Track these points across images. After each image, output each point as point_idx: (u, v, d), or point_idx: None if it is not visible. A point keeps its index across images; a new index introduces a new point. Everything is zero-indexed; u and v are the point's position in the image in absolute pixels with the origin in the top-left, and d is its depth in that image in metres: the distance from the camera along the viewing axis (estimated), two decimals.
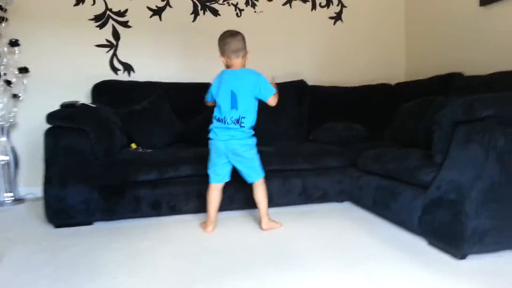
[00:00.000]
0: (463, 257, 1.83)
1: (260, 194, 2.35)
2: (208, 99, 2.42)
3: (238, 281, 1.63)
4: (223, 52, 2.26)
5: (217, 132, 2.26)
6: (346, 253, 1.93)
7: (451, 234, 1.82)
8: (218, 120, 2.26)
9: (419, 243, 2.06)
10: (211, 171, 2.33)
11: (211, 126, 2.31)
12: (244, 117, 2.22)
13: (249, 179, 2.34)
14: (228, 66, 2.30)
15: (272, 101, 2.28)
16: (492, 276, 1.65)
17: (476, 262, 1.79)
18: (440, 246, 1.94)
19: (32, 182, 3.25)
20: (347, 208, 2.80)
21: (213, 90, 2.33)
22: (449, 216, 1.83)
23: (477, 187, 1.73)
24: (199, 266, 1.79)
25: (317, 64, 3.96)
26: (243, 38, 2.27)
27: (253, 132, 2.31)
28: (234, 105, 2.21)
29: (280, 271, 1.73)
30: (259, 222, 2.44)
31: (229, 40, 2.24)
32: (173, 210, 2.56)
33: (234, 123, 2.21)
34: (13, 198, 3.14)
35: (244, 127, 2.23)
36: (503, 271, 1.69)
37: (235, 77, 2.24)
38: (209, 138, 2.31)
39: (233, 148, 2.23)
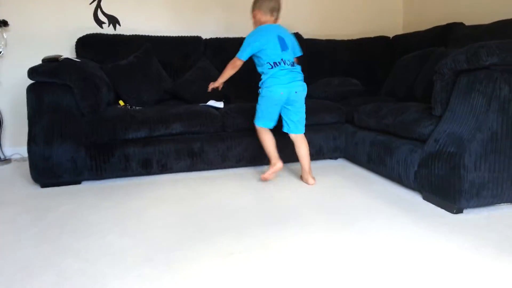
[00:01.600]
0: (459, 211, 1.80)
1: (305, 148, 2.35)
2: (245, 56, 2.29)
3: (232, 239, 1.59)
4: (259, 7, 2.30)
5: (278, 77, 2.22)
6: (340, 209, 1.89)
7: (448, 187, 1.77)
8: (275, 65, 2.23)
9: (415, 198, 2.03)
10: (265, 120, 2.31)
11: (264, 77, 2.27)
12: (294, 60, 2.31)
13: (296, 130, 2.33)
14: (258, 24, 2.33)
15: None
16: (488, 229, 1.62)
17: (472, 216, 1.76)
18: (436, 200, 1.90)
19: (18, 142, 3.15)
20: (342, 165, 2.76)
21: (256, 41, 2.25)
22: (446, 169, 1.78)
23: (477, 139, 1.67)
24: (191, 225, 1.74)
25: (312, 16, 3.79)
26: (280, 1, 2.33)
27: None
28: (284, 47, 2.25)
29: (274, 228, 1.69)
30: (255, 179, 2.42)
31: None
32: (164, 168, 2.50)
33: (291, 65, 2.25)
34: None
35: (298, 68, 2.30)
36: (499, 225, 1.66)
37: (277, 27, 2.31)
38: (259, 88, 2.31)
39: (294, 90, 2.23)
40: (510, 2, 2.74)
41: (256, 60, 2.33)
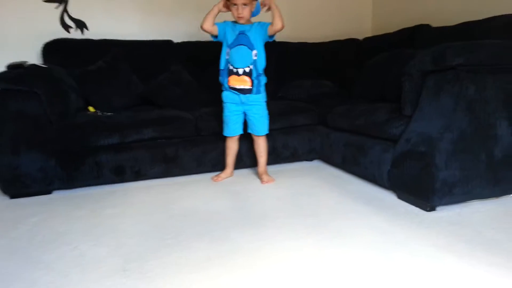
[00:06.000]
0: (432, 209, 1.84)
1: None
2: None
3: (206, 243, 1.57)
4: None
5: None
6: (316, 210, 1.90)
7: (421, 186, 1.81)
8: None
9: (388, 197, 2.06)
10: None
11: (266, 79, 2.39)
12: None
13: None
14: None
15: None
16: (460, 226, 1.66)
17: (445, 214, 1.80)
18: (409, 199, 1.94)
19: None
20: (317, 167, 2.78)
21: None
22: (418, 168, 1.81)
23: (446, 138, 1.71)
24: (166, 231, 1.71)
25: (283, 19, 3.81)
26: None
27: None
28: None
29: (249, 231, 1.68)
30: (231, 184, 2.43)
31: None
32: (138, 175, 2.45)
33: None
34: None
35: None
36: (471, 221, 1.71)
37: None
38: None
39: None
40: (474, 5, 2.83)
41: (264, 55, 2.34)
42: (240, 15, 2.24)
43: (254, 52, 2.28)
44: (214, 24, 2.28)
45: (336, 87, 3.25)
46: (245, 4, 2.23)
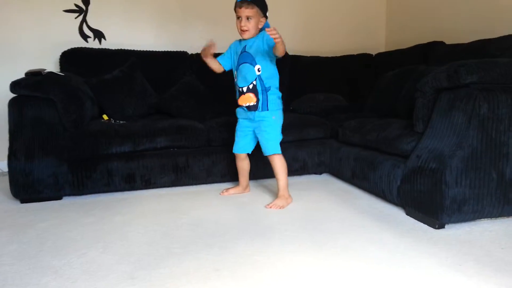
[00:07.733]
0: (441, 226, 1.82)
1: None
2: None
3: (214, 255, 1.57)
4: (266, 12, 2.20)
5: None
6: (324, 224, 1.89)
7: (430, 203, 1.79)
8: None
9: (398, 213, 2.04)
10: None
11: (279, 94, 2.26)
12: None
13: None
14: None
15: None
16: (469, 245, 1.64)
17: (454, 232, 1.78)
18: (418, 215, 1.92)
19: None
20: (326, 180, 2.77)
21: None
22: (428, 185, 1.80)
23: (458, 155, 1.70)
24: (175, 241, 1.72)
25: (297, 33, 3.85)
26: None
27: None
28: None
29: (256, 243, 1.68)
30: (240, 195, 2.44)
31: None
32: (148, 183, 2.47)
33: None
34: None
35: None
36: (480, 240, 1.68)
37: None
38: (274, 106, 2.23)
39: None
40: (488, 23, 2.83)
41: (271, 69, 2.19)
42: (243, 28, 2.10)
43: (257, 67, 2.13)
44: (218, 62, 2.28)
45: (347, 101, 3.26)
46: (249, 18, 2.09)
